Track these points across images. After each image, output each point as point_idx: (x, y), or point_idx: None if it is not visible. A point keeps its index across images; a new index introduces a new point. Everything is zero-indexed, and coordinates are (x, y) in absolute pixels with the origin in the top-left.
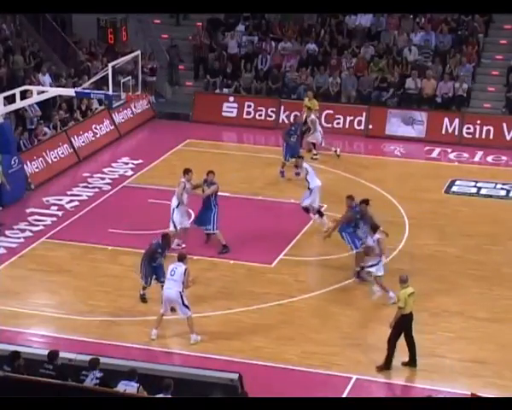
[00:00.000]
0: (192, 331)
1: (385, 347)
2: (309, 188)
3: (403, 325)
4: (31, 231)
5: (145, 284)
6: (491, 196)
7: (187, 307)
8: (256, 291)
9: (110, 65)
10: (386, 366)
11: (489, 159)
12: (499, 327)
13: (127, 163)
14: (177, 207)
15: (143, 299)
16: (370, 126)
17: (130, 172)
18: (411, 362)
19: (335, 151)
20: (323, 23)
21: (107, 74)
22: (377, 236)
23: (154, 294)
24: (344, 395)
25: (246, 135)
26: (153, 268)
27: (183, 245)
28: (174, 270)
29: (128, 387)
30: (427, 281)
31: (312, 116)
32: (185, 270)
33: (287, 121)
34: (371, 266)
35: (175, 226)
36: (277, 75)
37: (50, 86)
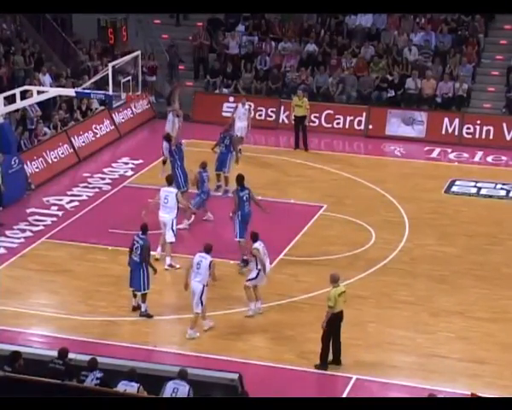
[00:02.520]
0: (192, 327)
1: (385, 347)
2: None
3: (332, 324)
4: (31, 231)
5: (148, 288)
6: (491, 196)
7: (201, 302)
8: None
9: (110, 65)
10: (322, 366)
11: (489, 159)
12: (499, 327)
13: (127, 163)
14: (176, 216)
15: (149, 315)
16: (370, 126)
17: (130, 172)
18: (335, 361)
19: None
20: (323, 23)
21: (107, 74)
22: (255, 245)
23: (149, 294)
24: (344, 395)
25: (246, 135)
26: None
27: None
28: (200, 263)
29: (128, 387)
30: (427, 281)
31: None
32: (210, 262)
33: (287, 121)
34: (251, 279)
35: (175, 235)
36: (277, 75)
37: (50, 86)
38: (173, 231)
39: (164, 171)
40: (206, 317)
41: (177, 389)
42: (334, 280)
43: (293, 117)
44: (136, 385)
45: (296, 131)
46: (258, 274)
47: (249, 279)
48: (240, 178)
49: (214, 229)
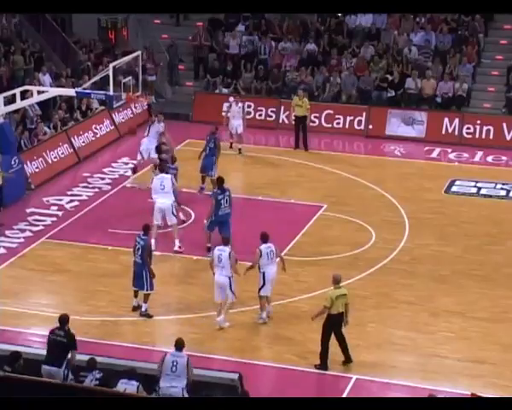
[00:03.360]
0: (225, 312)
1: (385, 347)
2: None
3: (331, 326)
4: (31, 231)
5: (152, 289)
6: (491, 196)
7: (233, 292)
8: (256, 291)
9: (111, 65)
10: (322, 366)
11: (489, 159)
12: (499, 327)
13: (127, 163)
14: (174, 200)
15: (149, 315)
16: (370, 126)
17: (130, 173)
18: (347, 360)
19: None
20: (323, 23)
21: (108, 74)
22: (261, 246)
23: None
24: (344, 395)
25: (246, 135)
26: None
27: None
28: (220, 256)
29: (128, 386)
30: (427, 281)
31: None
32: (229, 254)
33: (287, 121)
34: (261, 287)
35: (176, 218)
36: (277, 75)
37: (50, 86)
38: (174, 214)
39: (135, 182)
40: (226, 315)
41: (176, 362)
42: (336, 281)
43: (293, 117)
44: (135, 384)
45: (296, 131)
46: (264, 279)
47: (260, 288)
48: (220, 180)
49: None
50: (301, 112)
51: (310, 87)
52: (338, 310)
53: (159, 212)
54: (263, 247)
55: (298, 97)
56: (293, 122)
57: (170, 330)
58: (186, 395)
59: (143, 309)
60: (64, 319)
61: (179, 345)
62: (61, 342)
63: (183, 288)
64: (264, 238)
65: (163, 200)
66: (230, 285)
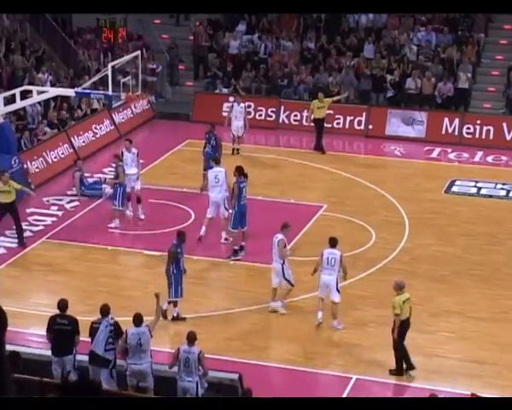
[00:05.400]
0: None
1: (385, 347)
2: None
3: (404, 331)
4: (31, 231)
5: (176, 296)
6: (491, 196)
7: (287, 280)
8: (256, 291)
9: (110, 65)
10: (398, 372)
11: (489, 159)
12: (499, 327)
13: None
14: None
15: (182, 318)
16: (370, 126)
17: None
18: (409, 367)
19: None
20: (324, 21)
21: (107, 74)
22: (326, 250)
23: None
24: (344, 395)
25: (246, 135)
26: (179, 273)
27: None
28: (273, 243)
29: (139, 331)
30: (427, 281)
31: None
32: (278, 241)
33: (287, 121)
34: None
35: (228, 211)
36: (277, 75)
37: (50, 86)
38: (226, 208)
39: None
40: (286, 297)
41: (188, 358)
42: (400, 288)
43: (311, 118)
44: (146, 329)
45: (318, 133)
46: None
47: None
48: (240, 169)
49: (211, 229)
50: (321, 113)
51: (309, 86)
52: (406, 315)
53: (213, 205)
54: (326, 251)
55: (318, 100)
56: (313, 124)
57: (170, 330)
58: (200, 389)
59: (175, 314)
60: (64, 305)
61: (191, 339)
62: (68, 330)
63: (183, 287)
64: (332, 243)
65: (217, 193)
66: (283, 273)
